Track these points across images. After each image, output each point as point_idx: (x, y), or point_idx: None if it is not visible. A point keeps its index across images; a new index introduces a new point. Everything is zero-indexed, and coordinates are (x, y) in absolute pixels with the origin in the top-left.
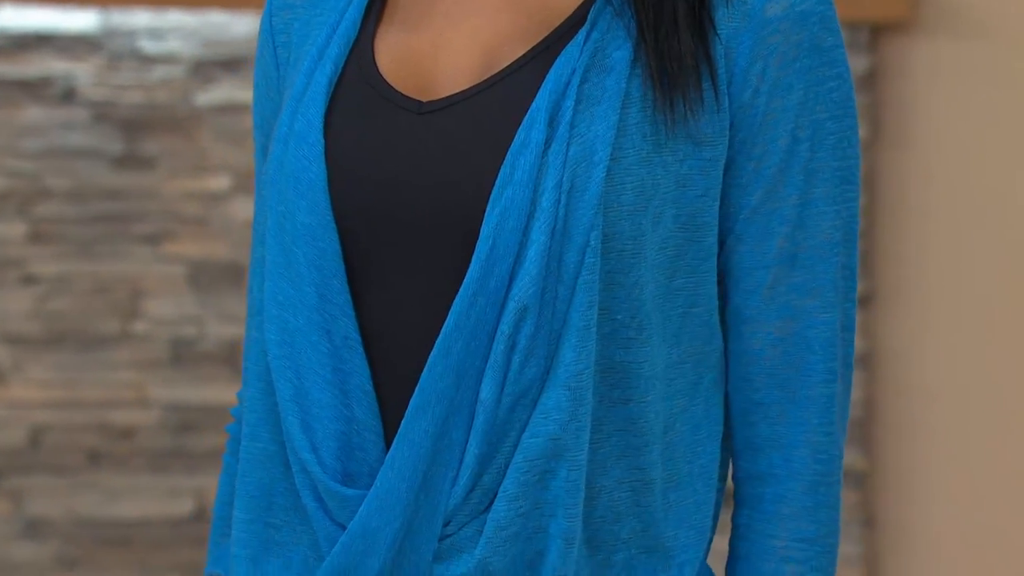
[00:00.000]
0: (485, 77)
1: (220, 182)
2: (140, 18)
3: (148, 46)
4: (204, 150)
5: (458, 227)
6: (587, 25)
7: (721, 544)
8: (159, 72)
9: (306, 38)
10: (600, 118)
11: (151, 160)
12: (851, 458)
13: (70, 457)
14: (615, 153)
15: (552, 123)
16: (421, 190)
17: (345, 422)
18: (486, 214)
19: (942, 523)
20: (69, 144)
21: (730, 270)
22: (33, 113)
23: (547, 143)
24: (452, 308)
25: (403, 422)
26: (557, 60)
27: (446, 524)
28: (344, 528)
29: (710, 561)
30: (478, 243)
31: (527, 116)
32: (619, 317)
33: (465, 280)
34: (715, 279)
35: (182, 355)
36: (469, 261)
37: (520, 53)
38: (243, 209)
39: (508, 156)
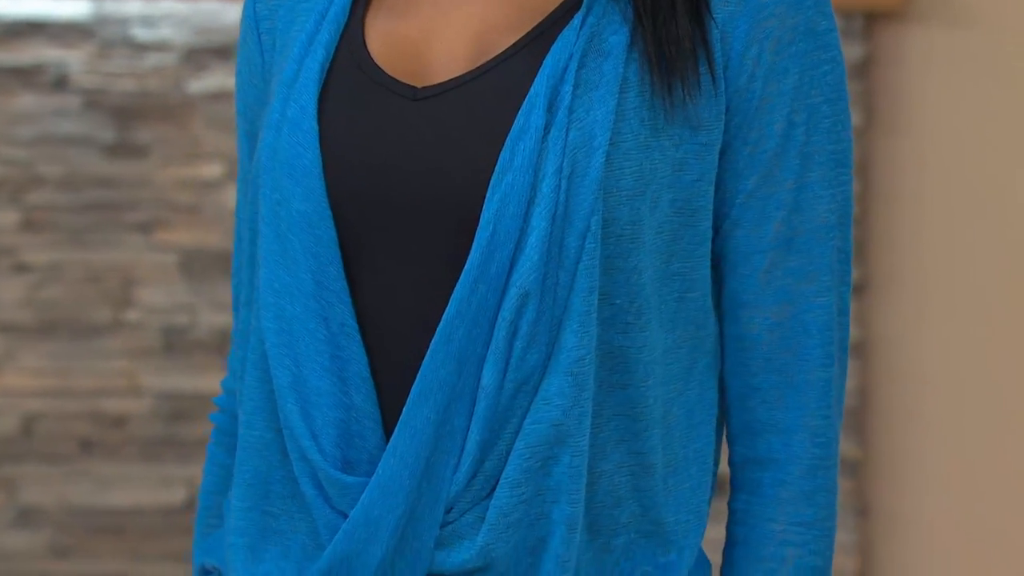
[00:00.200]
0: (478, 64)
1: (212, 170)
2: (132, 6)
3: (140, 34)
4: (196, 138)
5: (455, 213)
6: (583, 10)
7: (711, 532)
8: (151, 60)
9: (291, 24)
10: (599, 103)
11: (143, 148)
12: (845, 446)
13: (63, 445)
14: (614, 138)
15: (551, 108)
16: (417, 176)
17: (344, 409)
18: (486, 200)
19: (936, 511)
20: (61, 132)
21: (726, 255)
22: (25, 101)
23: (546, 128)
24: (453, 295)
25: (405, 409)
26: (554, 45)
27: (448, 511)
28: (344, 516)
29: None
30: (478, 229)
31: (526, 101)
32: (618, 302)
33: (466, 266)
34: (709, 264)
35: (174, 343)
36: (466, 247)
37: (513, 40)
38: (235, 197)
39: (507, 142)
